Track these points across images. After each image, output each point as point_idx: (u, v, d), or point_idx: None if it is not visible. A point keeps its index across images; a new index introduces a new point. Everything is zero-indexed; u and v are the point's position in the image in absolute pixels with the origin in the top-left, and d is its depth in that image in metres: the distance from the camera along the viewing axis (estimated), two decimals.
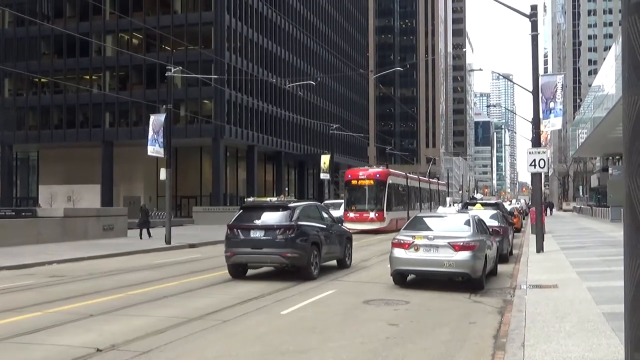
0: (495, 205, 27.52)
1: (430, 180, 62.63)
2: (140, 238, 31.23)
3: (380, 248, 25.34)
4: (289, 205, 16.26)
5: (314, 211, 17.33)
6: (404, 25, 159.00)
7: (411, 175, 50.20)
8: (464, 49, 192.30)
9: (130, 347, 8.39)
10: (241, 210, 16.59)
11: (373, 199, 38.83)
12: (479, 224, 15.13)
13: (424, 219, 15.55)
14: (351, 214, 38.11)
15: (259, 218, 15.90)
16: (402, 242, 13.90)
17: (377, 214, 38.20)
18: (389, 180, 39.93)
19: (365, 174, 39.73)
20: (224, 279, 15.84)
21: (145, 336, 9.02)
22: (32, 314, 10.85)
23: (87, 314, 10.86)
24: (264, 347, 8.53)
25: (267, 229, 15.49)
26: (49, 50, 68.91)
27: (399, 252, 13.87)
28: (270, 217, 15.85)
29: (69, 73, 67.57)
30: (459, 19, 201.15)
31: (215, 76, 55.60)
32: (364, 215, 38.04)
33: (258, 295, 12.84)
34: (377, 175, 39.49)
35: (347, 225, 29.66)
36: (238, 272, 15.90)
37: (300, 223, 15.67)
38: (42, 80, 68.06)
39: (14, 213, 37.27)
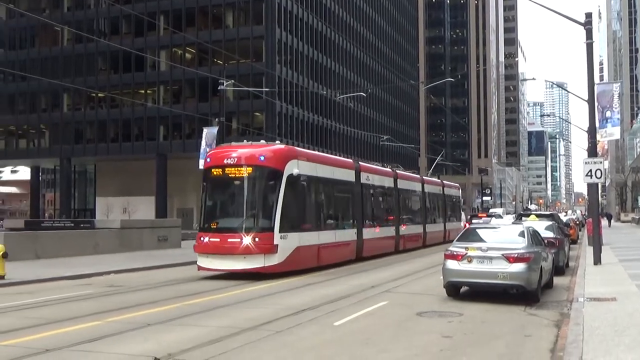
0: (551, 217, 27.03)
1: (429, 180, 41.30)
2: None
3: (431, 260, 25.11)
4: None
5: None
6: (454, 35, 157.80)
7: (375, 167, 30.83)
8: (516, 58, 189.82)
9: (186, 356, 8.53)
10: None
11: (250, 208, 19.77)
12: (534, 236, 14.88)
13: (477, 230, 15.41)
14: (206, 238, 19.31)
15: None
16: (454, 253, 13.78)
17: (257, 239, 18.70)
18: (292, 169, 19.94)
19: (238, 155, 19.88)
20: (276, 290, 15.95)
21: (201, 346, 9.16)
22: (92, 323, 11.13)
23: (145, 323, 11.09)
24: (318, 358, 8.57)
25: None
26: (106, 66, 70.74)
27: (451, 264, 13.75)
28: None
29: (124, 88, 69.23)
30: (510, 28, 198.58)
31: (267, 89, 56.18)
32: (229, 240, 18.95)
33: (310, 307, 12.88)
34: (261, 158, 19.57)
35: (201, 262, 19.33)
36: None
37: None
38: (99, 95, 69.88)
39: (72, 224, 38.24)
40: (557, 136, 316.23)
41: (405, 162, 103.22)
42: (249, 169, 19.46)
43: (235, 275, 18.96)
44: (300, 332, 10.30)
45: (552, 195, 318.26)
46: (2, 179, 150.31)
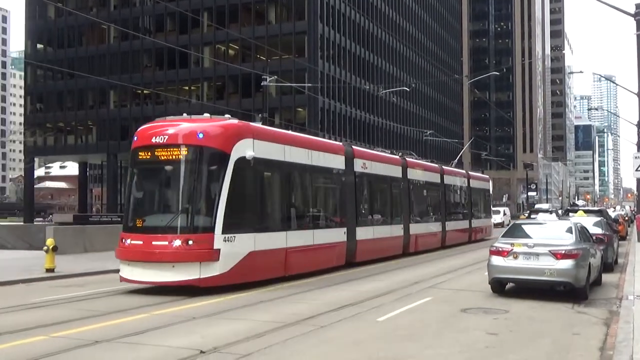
0: (599, 212, 26.51)
1: (450, 170, 35.16)
2: None
3: (475, 256, 24.85)
4: None
5: None
6: (499, 29, 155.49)
7: (375, 153, 26.15)
8: (563, 51, 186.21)
9: (231, 349, 8.62)
10: None
11: (183, 201, 15.02)
12: (582, 232, 14.61)
13: (523, 226, 15.19)
14: (128, 240, 14.88)
15: None
16: (500, 249, 13.62)
17: (190, 242, 14.25)
18: (244, 151, 15.42)
19: (170, 132, 15.20)
20: (315, 286, 15.96)
21: (245, 340, 9.24)
22: (139, 315, 11.33)
23: (190, 316, 11.24)
24: (361, 353, 8.56)
25: None
26: (151, 63, 71.75)
27: (497, 260, 13.59)
28: None
29: (169, 84, 70.09)
30: (557, 20, 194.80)
31: (309, 84, 56.28)
32: (154, 243, 14.46)
33: (352, 302, 12.88)
34: (200, 135, 15.01)
35: (123, 271, 14.74)
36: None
37: None
38: (145, 91, 70.94)
39: (119, 219, 38.82)
40: (605, 130, 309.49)
41: (449, 157, 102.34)
42: (184, 150, 14.77)
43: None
44: (343, 328, 10.31)
45: (599, 191, 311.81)
46: (51, 174, 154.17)
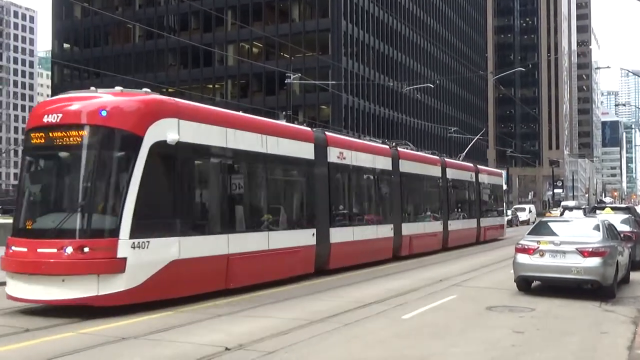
0: (627, 210, 26.11)
1: (455, 163, 31.70)
2: None
3: (499, 254, 24.66)
4: None
5: None
6: (524, 24, 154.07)
7: (353, 140, 21.58)
8: (590, 46, 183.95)
9: (257, 347, 8.66)
10: None
11: (80, 196, 11.46)
12: (610, 229, 14.43)
13: (549, 223, 15.06)
14: (12, 247, 11.41)
15: None
16: (526, 247, 13.51)
17: (86, 249, 10.87)
18: (164, 133, 12.10)
19: (67, 109, 11.72)
20: (340, 284, 15.96)
21: (270, 337, 9.27)
22: (164, 312, 11.39)
23: (215, 314, 11.30)
24: (386, 351, 8.55)
25: None
26: (175, 62, 72.26)
27: (522, 258, 13.49)
28: None
29: (193, 82, 70.52)
30: (583, 15, 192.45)
31: (333, 82, 56.25)
32: (40, 251, 11.04)
33: (377, 300, 12.85)
34: (103, 113, 11.54)
35: (8, 287, 11.55)
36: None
37: None
38: (169, 90, 71.37)
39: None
40: (633, 126, 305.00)
41: (474, 154, 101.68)
42: (82, 131, 11.47)
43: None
44: (369, 325, 10.31)
45: (627, 188, 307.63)
46: None
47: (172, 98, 13.44)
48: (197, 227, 12.97)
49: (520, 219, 58.76)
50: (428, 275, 17.69)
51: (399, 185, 22.93)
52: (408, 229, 23.22)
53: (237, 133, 14.20)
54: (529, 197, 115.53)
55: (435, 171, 27.22)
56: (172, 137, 12.06)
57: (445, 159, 29.13)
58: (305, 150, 16.97)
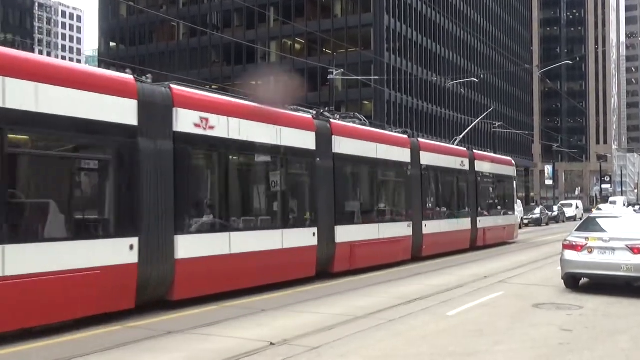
0: None
1: (432, 145, 23.60)
2: None
3: (548, 250, 24.25)
4: None
5: None
6: (571, 16, 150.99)
7: (251, 106, 14.13)
8: (639, 38, 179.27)
9: (301, 342, 8.69)
10: None
11: None
12: None
13: (597, 219, 14.73)
14: None
15: None
16: (574, 243, 13.26)
17: None
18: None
19: None
20: (377, 281, 15.91)
21: (315, 332, 9.29)
22: (210, 307, 11.53)
23: (260, 309, 11.38)
24: (431, 347, 8.50)
25: None
26: (219, 59, 72.88)
27: (570, 255, 13.24)
28: None
29: (236, 79, 71.09)
30: (632, 6, 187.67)
31: (376, 77, 56.04)
32: None
33: (420, 296, 12.77)
34: None
35: None
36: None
37: None
38: (213, 87, 72.08)
39: None
40: None
41: (519, 149, 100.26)
42: None
43: None
44: (413, 322, 10.25)
45: None
46: None
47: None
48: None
49: (567, 215, 57.73)
50: (472, 272, 17.50)
51: (331, 172, 16.12)
52: (344, 234, 16.31)
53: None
54: (576, 193, 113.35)
55: (403, 155, 20.00)
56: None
57: (420, 140, 22.01)
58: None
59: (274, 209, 14.53)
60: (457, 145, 29.32)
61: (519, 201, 47.19)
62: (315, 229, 15.16)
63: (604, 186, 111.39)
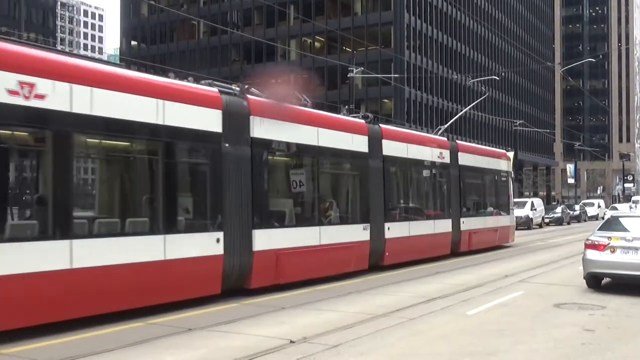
0: None
1: (400, 133, 19.83)
2: None
3: (570, 250, 24.02)
4: None
5: None
6: (593, 13, 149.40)
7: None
8: None
9: (321, 340, 8.69)
10: None
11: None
12: None
13: (620, 219, 14.56)
14: None
15: None
16: (596, 243, 13.12)
17: None
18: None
19: None
20: (399, 279, 15.86)
21: (334, 330, 9.29)
22: (230, 305, 11.58)
23: (280, 306, 11.41)
24: (451, 346, 8.46)
25: None
26: (239, 57, 73.12)
27: (592, 254, 13.11)
28: None
29: (256, 78, 71.21)
30: None
31: (396, 75, 55.89)
32: None
33: (440, 295, 12.71)
34: None
35: None
36: None
37: None
38: (233, 85, 72.33)
39: None
40: None
41: (540, 147, 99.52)
42: None
43: None
44: (433, 321, 10.21)
45: None
46: None
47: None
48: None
49: (589, 214, 57.20)
50: (493, 271, 17.38)
51: (259, 169, 13.64)
52: (272, 239, 13.28)
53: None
54: (598, 192, 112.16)
55: (359, 144, 16.65)
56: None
57: (381, 126, 18.32)
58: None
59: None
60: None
61: (539, 200, 46.71)
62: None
63: (626, 185, 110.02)
